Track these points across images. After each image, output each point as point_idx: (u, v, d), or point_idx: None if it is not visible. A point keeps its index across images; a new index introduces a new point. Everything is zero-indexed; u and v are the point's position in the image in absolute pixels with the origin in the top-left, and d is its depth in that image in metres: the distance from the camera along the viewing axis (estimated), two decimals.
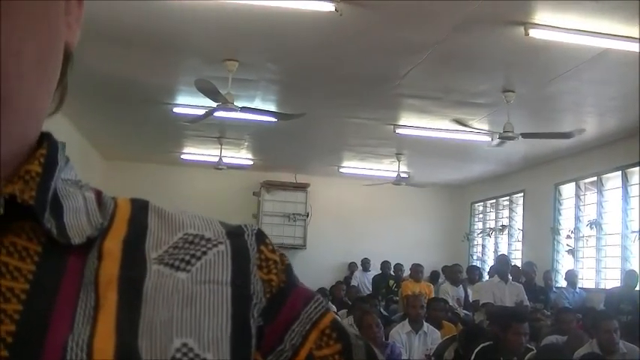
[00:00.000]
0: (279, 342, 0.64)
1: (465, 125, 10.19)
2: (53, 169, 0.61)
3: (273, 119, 9.74)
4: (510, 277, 10.45)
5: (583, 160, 12.09)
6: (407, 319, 8.60)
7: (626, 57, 7.14)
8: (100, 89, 9.36)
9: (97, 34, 6.99)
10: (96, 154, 15.24)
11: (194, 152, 14.79)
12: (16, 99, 0.55)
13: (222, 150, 13.64)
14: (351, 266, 16.75)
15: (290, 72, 8.90)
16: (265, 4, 6.45)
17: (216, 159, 13.82)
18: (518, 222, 15.15)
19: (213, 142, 13.37)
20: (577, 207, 12.69)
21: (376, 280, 14.93)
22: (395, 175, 14.29)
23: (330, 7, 6.27)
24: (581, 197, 12.65)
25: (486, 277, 13.47)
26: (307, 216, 16.95)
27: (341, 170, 15.84)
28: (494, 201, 16.51)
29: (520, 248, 14.76)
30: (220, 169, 13.93)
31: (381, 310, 11.06)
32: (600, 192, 12.07)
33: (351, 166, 15.40)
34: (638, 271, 10.11)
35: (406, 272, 14.13)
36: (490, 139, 10.47)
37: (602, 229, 12.01)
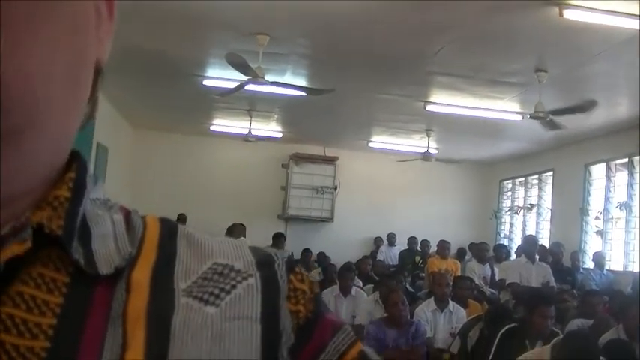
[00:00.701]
0: None
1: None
2: (82, 194, 0.60)
3: (303, 94, 9.71)
4: (537, 257, 10.39)
5: (614, 141, 11.97)
6: (432, 297, 8.61)
7: None
8: (130, 60, 9.36)
9: (129, 7, 6.99)
10: (125, 123, 15.31)
11: (223, 124, 14.81)
12: (46, 124, 0.53)
13: (252, 122, 13.63)
14: (377, 240, 16.77)
15: (321, 47, 8.87)
16: None
17: (245, 131, 13.83)
18: (546, 201, 15.07)
19: (242, 114, 13.37)
20: (607, 188, 12.61)
21: (403, 255, 14.94)
22: (424, 150, 14.24)
23: None
24: (611, 178, 12.56)
25: (513, 255, 13.43)
26: (335, 189, 16.97)
27: (370, 145, 15.81)
28: (523, 179, 16.43)
29: (548, 228, 14.69)
30: (249, 141, 13.94)
31: (407, 286, 11.06)
32: (631, 174, 11.98)
33: (381, 140, 15.35)
34: None
35: (433, 248, 14.12)
36: (521, 118, 10.41)
37: (631, 211, 11.92)
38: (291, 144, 16.44)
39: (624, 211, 11.98)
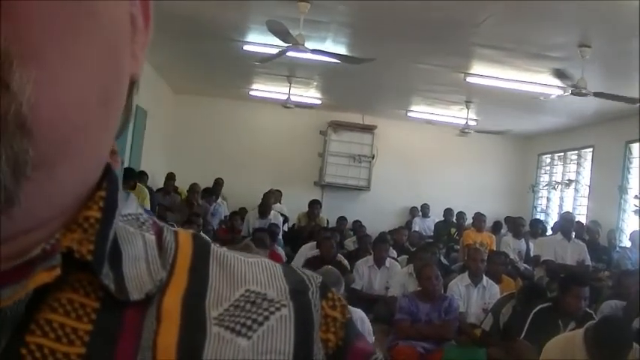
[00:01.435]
0: None
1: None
2: (112, 215, 0.59)
3: (343, 62, 9.67)
4: (574, 235, 10.31)
5: None
6: (466, 272, 8.60)
7: None
8: (171, 24, 9.37)
9: None
10: (166, 87, 15.37)
11: (263, 89, 14.80)
12: (79, 150, 0.53)
13: (291, 88, 13.63)
14: (413, 211, 16.77)
15: (362, 15, 8.81)
16: None
17: (284, 97, 13.84)
18: (585, 177, 14.91)
19: (282, 80, 13.37)
20: None
21: (438, 226, 14.93)
22: (463, 122, 14.17)
23: None
24: None
25: (549, 231, 13.34)
26: (373, 158, 16.97)
27: (409, 114, 15.72)
28: (562, 154, 16.26)
29: (585, 204, 14.56)
30: (288, 107, 13.94)
31: (441, 258, 11.06)
32: None
33: (419, 110, 15.26)
34: None
35: (468, 221, 14.08)
36: (562, 92, 10.28)
37: None
38: (330, 111, 16.43)
39: None
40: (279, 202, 14.95)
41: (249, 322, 0.59)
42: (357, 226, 14.66)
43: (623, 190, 12.93)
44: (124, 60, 0.57)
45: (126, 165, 11.04)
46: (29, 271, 0.51)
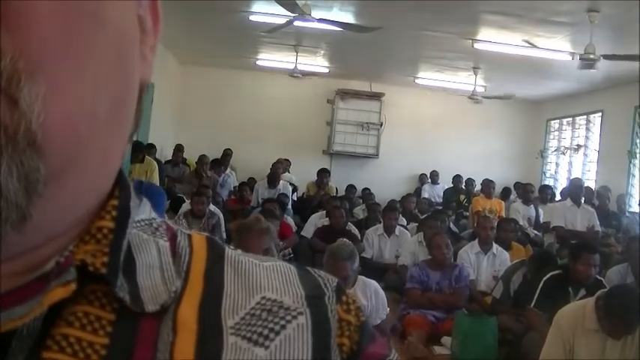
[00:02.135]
0: None
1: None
2: (125, 224, 0.58)
3: (350, 31, 9.62)
4: (583, 201, 10.30)
5: None
6: (476, 239, 8.61)
7: None
8: None
9: None
10: (172, 58, 15.30)
11: (269, 59, 14.74)
12: (90, 161, 0.52)
13: (298, 57, 13.57)
14: (422, 178, 16.73)
15: None
16: None
17: (291, 66, 13.78)
18: (594, 142, 14.84)
19: (289, 50, 13.31)
20: None
21: (447, 193, 14.91)
22: (471, 88, 14.11)
23: None
24: None
25: (558, 196, 13.33)
26: (381, 125, 16.90)
27: (417, 81, 15.64)
28: (570, 119, 16.17)
29: (594, 169, 14.52)
30: (295, 76, 13.90)
31: (451, 225, 11.06)
32: None
33: (427, 77, 15.18)
34: None
35: (477, 187, 14.07)
36: (571, 58, 10.23)
37: None
38: (337, 79, 16.36)
39: None
40: (288, 172, 14.94)
41: (265, 332, 0.59)
42: (366, 194, 14.65)
43: (632, 154, 12.88)
44: (134, 65, 0.57)
45: (134, 138, 11.02)
46: (44, 286, 0.51)
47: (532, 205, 11.80)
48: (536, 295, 6.15)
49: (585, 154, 15.20)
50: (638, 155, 12.83)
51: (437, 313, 7.26)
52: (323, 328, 0.62)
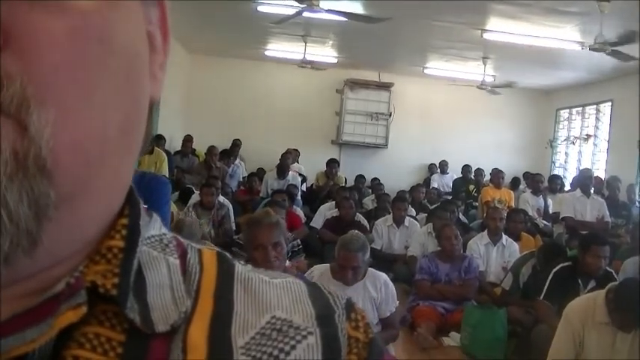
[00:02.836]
0: None
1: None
2: (136, 242, 0.58)
3: (358, 22, 9.60)
4: (592, 191, 10.28)
5: None
6: (486, 230, 8.60)
7: None
8: None
9: None
10: (180, 48, 15.30)
11: (278, 49, 14.73)
12: (101, 183, 0.52)
13: (307, 47, 13.54)
14: (431, 168, 16.72)
15: None
16: None
17: (300, 56, 13.77)
18: (603, 132, 14.80)
19: (297, 40, 13.29)
20: None
21: (456, 183, 14.88)
22: (480, 78, 14.07)
23: None
24: None
25: (568, 186, 13.30)
26: (390, 115, 16.89)
27: (425, 71, 15.60)
28: (580, 109, 16.10)
29: (604, 159, 14.47)
30: (304, 66, 13.88)
31: (460, 215, 11.05)
32: None
33: (436, 67, 15.15)
34: None
35: (487, 177, 14.05)
36: (580, 48, 10.20)
37: None
38: (346, 69, 16.33)
39: None
40: (297, 162, 14.95)
41: (276, 352, 0.58)
42: (376, 184, 14.64)
43: None
44: (144, 84, 0.56)
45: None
46: (55, 308, 0.51)
47: (541, 196, 11.78)
48: (546, 287, 6.13)
49: (595, 144, 15.15)
50: None
51: (446, 305, 7.27)
52: (333, 349, 0.61)
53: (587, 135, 15.54)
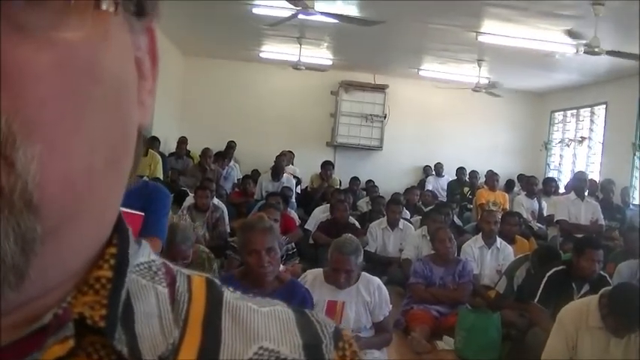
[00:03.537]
0: None
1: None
2: (124, 272, 0.57)
3: (353, 25, 9.61)
4: (586, 193, 10.29)
5: None
6: (480, 233, 8.61)
7: None
8: None
9: None
10: (175, 50, 15.30)
11: (273, 51, 14.73)
12: (88, 215, 0.51)
13: (302, 49, 13.54)
14: (426, 170, 16.73)
15: None
16: None
17: (295, 58, 13.76)
18: (598, 134, 14.83)
19: (292, 42, 13.29)
20: None
21: (451, 186, 14.89)
22: (475, 80, 14.09)
23: None
24: None
25: (562, 189, 13.32)
26: (385, 117, 16.91)
27: (420, 73, 15.62)
28: (574, 111, 16.14)
29: (598, 161, 14.50)
30: (299, 68, 13.88)
31: (455, 218, 11.06)
32: None
33: (431, 69, 15.16)
34: None
35: (482, 179, 14.06)
36: (575, 50, 10.21)
37: None
38: (341, 71, 16.34)
39: None
40: (292, 164, 14.96)
41: None
42: (370, 186, 14.65)
43: (636, 147, 12.86)
44: (131, 114, 0.55)
45: None
46: (42, 340, 0.50)
47: (536, 198, 11.80)
48: (540, 290, 6.15)
49: (589, 146, 15.19)
50: None
51: (440, 308, 7.28)
52: None
53: (581, 137, 15.58)
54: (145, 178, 5.81)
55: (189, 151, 13.78)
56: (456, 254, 7.78)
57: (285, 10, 9.00)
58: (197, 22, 12.55)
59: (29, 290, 0.49)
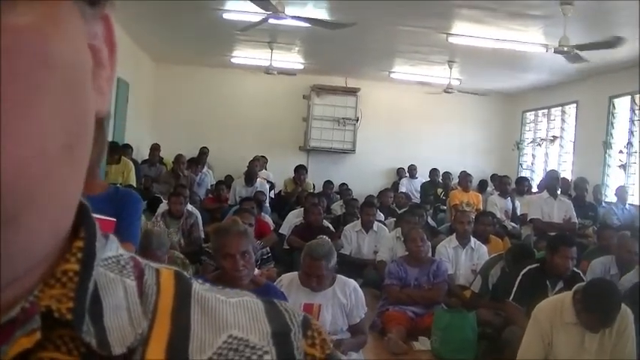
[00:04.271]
0: None
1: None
2: (91, 265, 0.57)
3: (324, 28, 9.61)
4: (559, 192, 10.37)
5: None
6: (454, 234, 8.65)
7: None
8: None
9: None
10: (146, 57, 15.25)
11: (244, 56, 14.71)
12: (45, 201, 0.50)
13: (273, 54, 13.53)
14: (400, 172, 16.77)
15: None
16: None
17: (266, 63, 13.74)
18: (569, 133, 14.94)
19: (263, 47, 13.27)
20: (631, 121, 12.46)
21: (424, 187, 14.93)
22: (446, 82, 14.15)
23: None
24: (636, 111, 12.39)
25: (535, 188, 13.40)
26: (357, 120, 16.93)
27: (392, 75, 15.66)
28: (546, 111, 16.25)
29: (570, 160, 14.61)
30: (271, 73, 13.87)
31: (429, 219, 11.10)
32: None
33: (402, 71, 15.21)
34: None
35: (455, 180, 14.11)
36: (545, 50, 10.28)
37: None
38: (313, 75, 16.34)
39: None
40: (265, 169, 14.95)
41: None
42: (344, 189, 14.68)
43: (607, 145, 12.97)
44: (87, 99, 0.55)
45: (110, 138, 10.98)
46: (9, 333, 0.50)
47: (509, 198, 11.87)
48: (515, 288, 6.19)
49: (561, 145, 15.29)
50: (613, 145, 12.93)
51: (416, 309, 7.29)
52: None
53: (553, 136, 15.68)
54: (118, 185, 5.81)
55: (162, 158, 13.73)
56: (430, 254, 7.81)
57: (256, 15, 8.99)
58: (168, 29, 12.51)
59: None
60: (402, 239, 8.47)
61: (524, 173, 16.16)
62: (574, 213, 9.93)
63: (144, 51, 14.63)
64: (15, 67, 0.47)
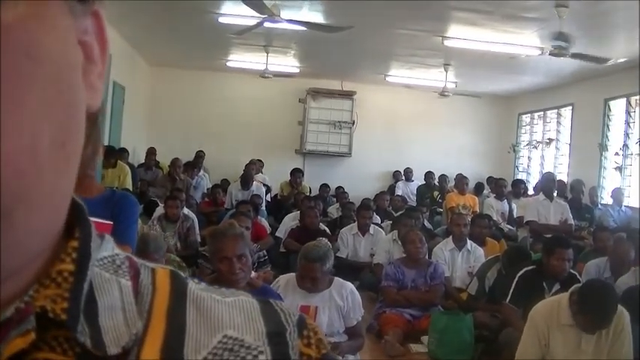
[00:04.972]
0: None
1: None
2: (86, 265, 0.57)
3: (320, 31, 9.62)
4: (555, 194, 10.37)
5: (635, 75, 11.78)
6: (450, 236, 8.65)
7: None
8: None
9: None
10: (142, 61, 15.25)
11: (240, 60, 14.70)
12: (37, 197, 0.50)
13: (269, 57, 13.52)
14: (396, 175, 16.77)
15: None
16: None
17: (262, 66, 13.73)
18: (565, 136, 14.94)
19: (259, 50, 13.26)
20: (627, 123, 12.47)
21: (420, 190, 14.93)
22: (442, 85, 14.15)
23: None
24: (631, 114, 12.40)
25: (531, 190, 13.41)
26: (353, 124, 16.92)
27: (388, 79, 15.66)
28: (542, 113, 16.26)
29: (566, 162, 14.60)
30: (266, 77, 13.86)
31: (425, 222, 11.11)
32: None
33: (398, 74, 15.21)
34: None
35: (451, 183, 14.11)
36: (540, 52, 10.29)
37: None
38: (308, 79, 16.32)
39: None
40: (261, 172, 14.95)
41: None
42: (340, 192, 14.67)
43: (603, 147, 12.97)
44: (78, 95, 0.55)
45: (106, 142, 10.97)
46: (4, 333, 0.50)
47: (505, 200, 11.88)
48: (511, 290, 6.19)
49: (557, 148, 15.29)
50: (608, 148, 12.94)
51: (413, 311, 7.30)
52: None
53: (549, 139, 15.69)
54: (115, 189, 5.81)
55: (158, 162, 13.72)
56: (426, 256, 7.81)
57: (251, 19, 8.98)
58: (163, 33, 12.50)
59: None
60: (399, 242, 8.48)
61: (521, 176, 16.17)
62: (570, 215, 9.92)
63: (140, 55, 14.62)
64: (4, 62, 0.47)
